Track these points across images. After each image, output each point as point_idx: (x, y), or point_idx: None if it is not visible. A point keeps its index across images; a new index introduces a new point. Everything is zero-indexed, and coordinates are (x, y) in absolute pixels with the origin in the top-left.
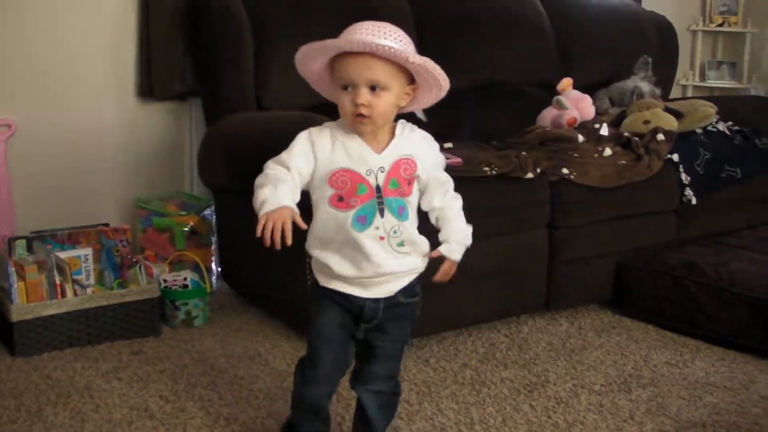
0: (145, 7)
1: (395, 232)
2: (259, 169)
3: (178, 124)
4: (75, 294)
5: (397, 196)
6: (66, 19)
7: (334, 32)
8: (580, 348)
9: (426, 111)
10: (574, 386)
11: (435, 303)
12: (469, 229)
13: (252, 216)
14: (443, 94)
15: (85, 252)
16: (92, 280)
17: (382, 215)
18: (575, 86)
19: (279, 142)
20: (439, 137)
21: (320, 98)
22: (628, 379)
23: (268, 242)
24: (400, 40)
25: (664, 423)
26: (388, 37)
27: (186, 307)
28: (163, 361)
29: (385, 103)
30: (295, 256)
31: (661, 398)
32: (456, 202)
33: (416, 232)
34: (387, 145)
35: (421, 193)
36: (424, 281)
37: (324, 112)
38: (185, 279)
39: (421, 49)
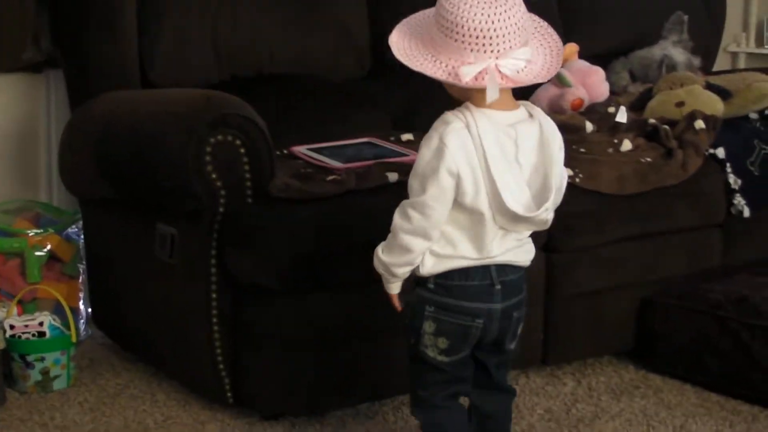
0: None
1: None
2: (139, 172)
3: (31, 105)
4: None
5: None
6: None
7: None
8: (590, 417)
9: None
10: None
11: (391, 355)
12: (377, 247)
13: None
14: (461, 78)
15: None
16: None
17: None
18: (582, 55)
19: (167, 133)
20: (396, 126)
21: (227, 72)
22: None
23: None
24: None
25: None
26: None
27: (42, 364)
28: None
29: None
30: (194, 292)
31: None
32: (395, 212)
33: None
34: None
35: None
36: None
37: (234, 89)
38: (41, 324)
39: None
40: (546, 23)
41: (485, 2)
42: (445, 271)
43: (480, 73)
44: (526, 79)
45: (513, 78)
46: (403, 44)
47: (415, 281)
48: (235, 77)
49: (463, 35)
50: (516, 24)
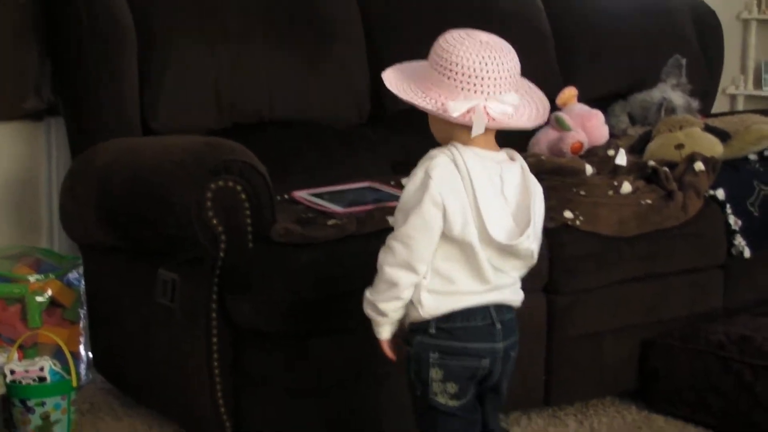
0: None
1: None
2: (139, 219)
3: (32, 152)
4: None
5: None
6: None
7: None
8: None
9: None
10: None
11: (394, 400)
12: (366, 290)
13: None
14: (449, 112)
15: None
16: None
17: None
18: (582, 99)
19: (168, 180)
20: (395, 170)
21: (229, 119)
22: None
23: None
24: (431, 51)
25: None
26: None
27: (42, 409)
28: None
29: (429, 120)
30: (195, 337)
31: None
32: (380, 249)
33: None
34: None
35: None
36: None
37: (236, 137)
38: (42, 369)
39: (381, 51)
40: (535, 86)
41: (481, 46)
42: (447, 314)
43: (468, 110)
44: (511, 123)
45: (499, 120)
46: (396, 78)
47: (412, 330)
48: (236, 124)
49: (456, 73)
50: (508, 71)
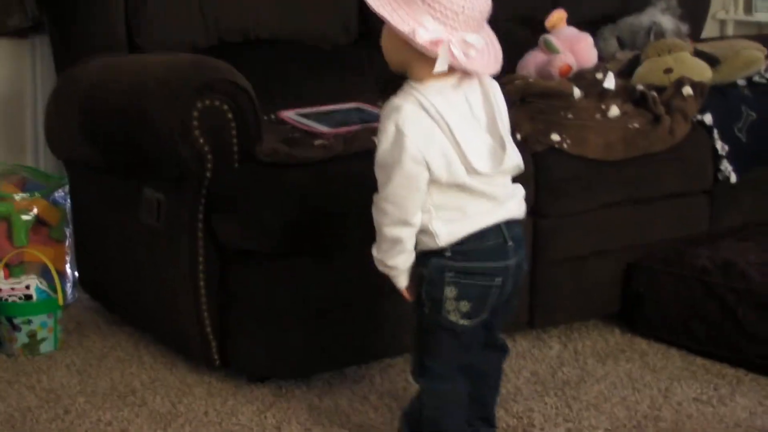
0: None
1: None
2: (125, 137)
3: (17, 70)
4: None
5: None
6: None
7: None
8: (576, 380)
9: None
10: (569, 431)
11: (377, 319)
12: (372, 247)
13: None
14: (417, 38)
15: None
16: None
17: None
18: (571, 22)
19: (153, 98)
20: (384, 91)
21: (214, 36)
22: (642, 421)
23: None
24: None
25: None
26: None
27: (29, 327)
28: None
29: (382, 39)
30: (181, 257)
31: None
32: (372, 210)
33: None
34: None
35: None
36: None
37: (222, 54)
38: (28, 287)
39: None
40: (495, 37)
41: None
42: (461, 238)
43: (434, 41)
44: (467, 66)
45: (458, 60)
46: None
47: (425, 253)
48: (222, 42)
49: (435, 1)
50: (480, 12)
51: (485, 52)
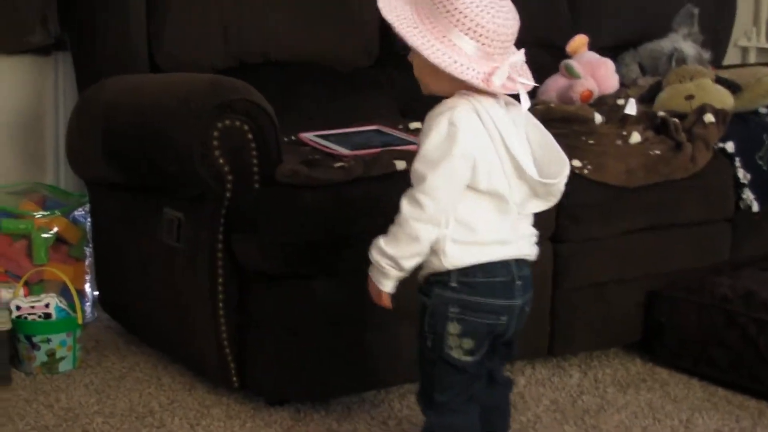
0: None
1: None
2: (145, 156)
3: (39, 88)
4: None
5: None
6: None
7: None
8: (596, 409)
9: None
10: None
11: (396, 343)
12: (379, 240)
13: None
14: (494, 84)
15: None
16: None
17: None
18: (592, 47)
19: (173, 118)
20: (407, 114)
21: (235, 58)
22: None
23: None
24: (439, 5)
25: None
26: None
27: (48, 346)
28: (14, 421)
29: (415, 69)
30: (200, 277)
31: None
32: (402, 203)
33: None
34: None
35: None
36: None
37: (242, 75)
38: (47, 306)
39: None
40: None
41: (501, 6)
42: (468, 267)
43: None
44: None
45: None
46: (421, 37)
47: (429, 282)
48: (242, 63)
49: (488, 39)
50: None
51: (525, 68)
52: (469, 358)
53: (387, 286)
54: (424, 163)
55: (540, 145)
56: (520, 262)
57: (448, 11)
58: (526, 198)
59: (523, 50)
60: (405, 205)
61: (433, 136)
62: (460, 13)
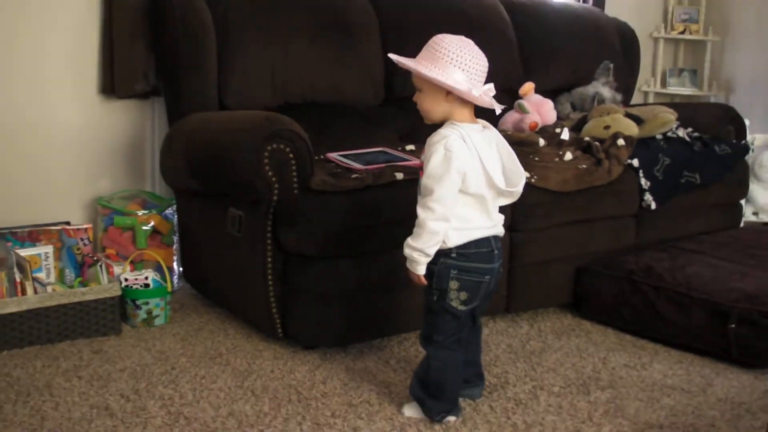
0: (108, 6)
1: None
2: (216, 170)
3: (141, 122)
4: (35, 292)
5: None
6: (29, 15)
7: (299, 34)
8: (539, 350)
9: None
10: (534, 388)
11: (396, 305)
12: (408, 240)
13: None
14: (473, 95)
15: (46, 250)
16: (53, 279)
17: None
18: (537, 91)
19: (236, 142)
20: (402, 140)
21: (281, 99)
22: (586, 381)
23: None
24: (436, 50)
25: (622, 424)
26: (428, 48)
27: (147, 307)
28: (123, 360)
29: (422, 102)
30: (255, 257)
31: (619, 400)
32: (418, 210)
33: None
34: None
35: None
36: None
37: (286, 112)
38: (146, 278)
39: (393, 50)
40: None
41: (479, 50)
42: (465, 243)
43: (483, 93)
44: (497, 107)
45: (492, 104)
46: (427, 68)
47: (436, 254)
48: (286, 103)
49: (472, 69)
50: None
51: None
52: (464, 308)
53: (420, 270)
54: (431, 180)
55: (508, 155)
56: (496, 238)
57: (442, 53)
58: (495, 197)
59: (492, 84)
60: (421, 212)
61: (435, 158)
62: (453, 53)
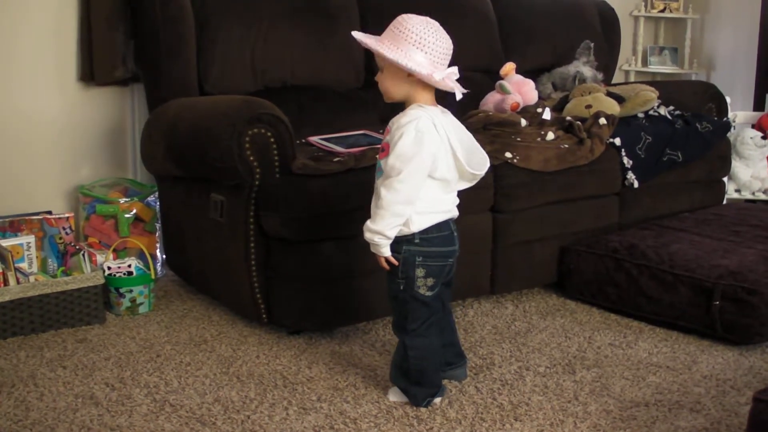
0: None
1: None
2: (197, 156)
3: (121, 109)
4: (18, 282)
5: (380, 158)
6: (6, 3)
7: (278, 18)
8: (524, 330)
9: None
10: (519, 368)
11: (380, 288)
12: (367, 223)
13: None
14: (434, 78)
15: (28, 240)
16: (35, 269)
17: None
18: (518, 71)
19: (217, 127)
20: (383, 122)
21: (261, 84)
22: (572, 360)
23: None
24: (400, 30)
25: (608, 403)
26: (392, 28)
27: (131, 295)
28: (108, 349)
29: (383, 82)
30: (238, 243)
31: (604, 379)
32: (382, 191)
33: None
34: None
35: None
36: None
37: (267, 96)
38: (130, 266)
39: (373, 32)
40: None
41: (443, 31)
42: (427, 228)
43: (446, 77)
44: (460, 91)
45: (455, 88)
46: (388, 47)
47: (398, 241)
48: (266, 87)
49: (435, 51)
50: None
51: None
52: (430, 293)
53: (385, 251)
54: (399, 160)
55: (469, 140)
56: (453, 220)
57: (405, 34)
58: (457, 180)
59: (456, 67)
60: (385, 193)
61: (406, 138)
62: (416, 35)
